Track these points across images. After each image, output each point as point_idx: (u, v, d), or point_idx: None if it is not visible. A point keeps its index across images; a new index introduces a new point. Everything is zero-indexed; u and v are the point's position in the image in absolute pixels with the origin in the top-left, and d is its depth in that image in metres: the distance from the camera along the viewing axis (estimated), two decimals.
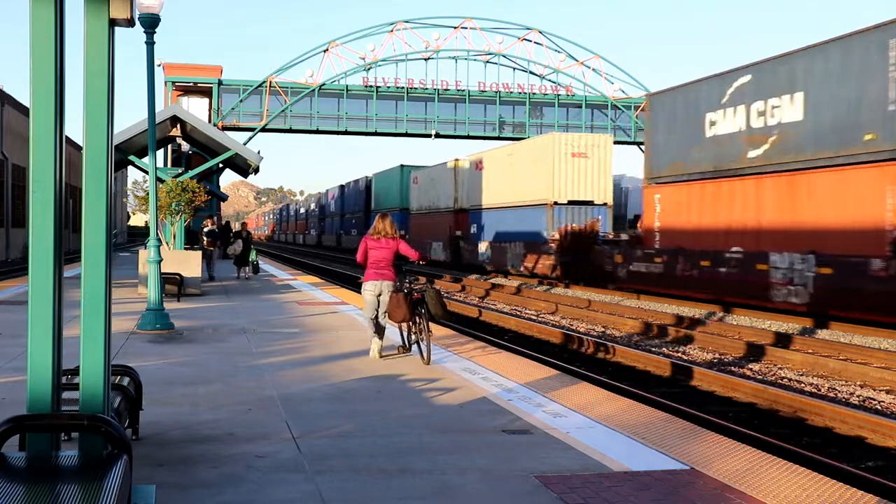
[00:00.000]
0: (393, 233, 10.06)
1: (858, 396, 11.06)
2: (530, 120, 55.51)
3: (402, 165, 51.08)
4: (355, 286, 24.64)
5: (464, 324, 18.10)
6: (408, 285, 10.13)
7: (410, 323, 9.99)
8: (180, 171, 22.01)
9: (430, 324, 9.90)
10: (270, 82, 53.13)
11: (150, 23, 12.09)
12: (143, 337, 11.65)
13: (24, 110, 44.27)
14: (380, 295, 9.97)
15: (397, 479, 5.13)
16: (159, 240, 13.58)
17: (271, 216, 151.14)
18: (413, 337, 10.14)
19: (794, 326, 17.82)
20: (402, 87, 54.05)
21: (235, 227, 37.91)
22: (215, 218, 31.16)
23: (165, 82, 51.72)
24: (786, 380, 12.27)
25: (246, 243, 24.79)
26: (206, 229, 24.12)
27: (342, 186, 70.50)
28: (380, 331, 10.09)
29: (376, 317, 10.02)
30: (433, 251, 42.47)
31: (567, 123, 54.69)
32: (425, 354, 9.66)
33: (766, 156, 20.04)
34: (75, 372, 4.09)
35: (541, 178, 31.82)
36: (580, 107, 56.18)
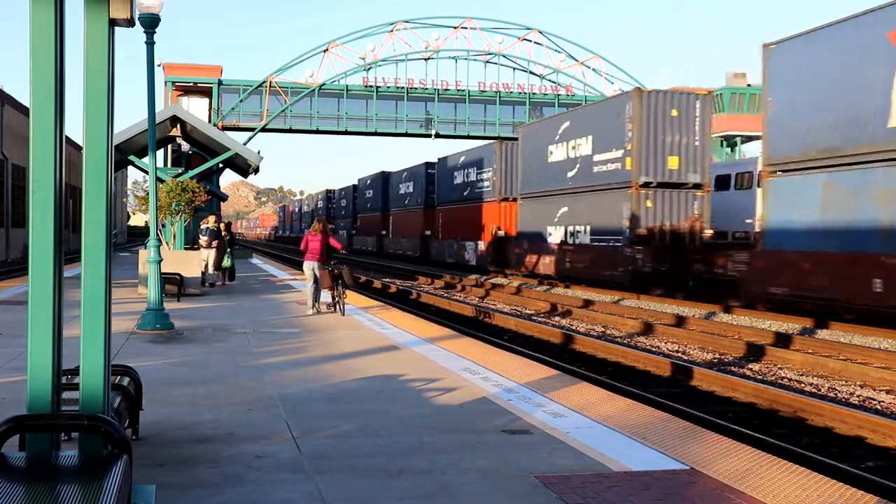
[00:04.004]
0: (324, 230, 15.41)
1: (858, 396, 11.05)
2: (530, 120, 55.50)
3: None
4: (359, 287, 24.62)
5: None
6: (332, 265, 15.18)
7: (333, 289, 14.95)
8: (180, 171, 21.94)
9: (346, 290, 15.19)
10: (270, 82, 53.04)
11: (150, 23, 12.09)
12: (143, 337, 11.65)
13: (24, 110, 44.25)
14: (314, 270, 14.97)
15: (397, 479, 5.13)
16: (159, 240, 13.59)
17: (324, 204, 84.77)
18: (336, 299, 15.05)
19: (794, 326, 17.81)
20: (402, 87, 53.92)
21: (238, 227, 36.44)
22: (216, 216, 30.15)
23: (165, 82, 51.62)
24: (786, 380, 12.27)
25: (221, 243, 21.85)
26: (203, 227, 22.67)
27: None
28: (317, 295, 15.16)
29: (316, 284, 15.04)
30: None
31: None
32: (341, 309, 14.82)
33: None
34: (75, 372, 4.08)
35: None
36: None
